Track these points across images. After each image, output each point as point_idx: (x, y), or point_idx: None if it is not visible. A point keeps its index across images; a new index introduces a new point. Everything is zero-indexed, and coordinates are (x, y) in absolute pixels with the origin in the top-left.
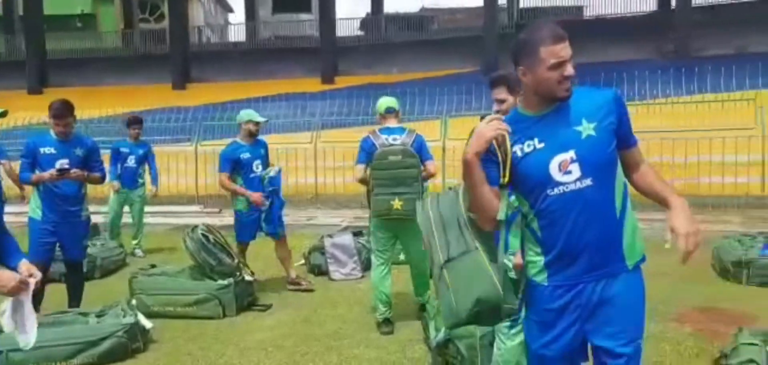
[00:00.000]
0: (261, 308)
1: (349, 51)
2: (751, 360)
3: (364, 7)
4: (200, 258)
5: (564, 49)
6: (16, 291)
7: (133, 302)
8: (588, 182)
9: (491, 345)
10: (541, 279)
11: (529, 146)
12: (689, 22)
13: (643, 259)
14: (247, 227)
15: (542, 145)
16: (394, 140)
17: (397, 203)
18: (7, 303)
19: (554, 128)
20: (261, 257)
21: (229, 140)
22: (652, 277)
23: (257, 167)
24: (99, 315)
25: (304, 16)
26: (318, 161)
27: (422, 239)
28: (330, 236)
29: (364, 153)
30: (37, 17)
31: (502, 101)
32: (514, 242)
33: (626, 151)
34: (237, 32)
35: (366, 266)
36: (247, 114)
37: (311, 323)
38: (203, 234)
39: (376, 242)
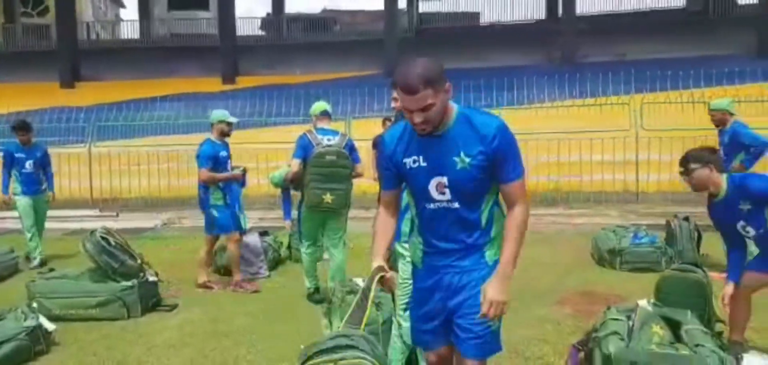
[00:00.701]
0: (166, 308)
1: (249, 51)
2: (615, 332)
3: (264, 6)
4: (101, 261)
5: (407, 101)
6: None
7: (34, 305)
8: (456, 204)
9: (389, 330)
10: (418, 262)
11: (414, 161)
12: (574, 30)
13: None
14: (227, 219)
15: (425, 164)
16: (330, 140)
17: (328, 197)
18: None
19: (437, 152)
20: (164, 260)
21: (125, 141)
22: (538, 267)
23: (230, 165)
24: None
25: (201, 13)
26: None
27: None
28: None
29: (301, 150)
30: None
31: (396, 100)
32: (405, 230)
33: (501, 185)
34: (130, 29)
35: (273, 266)
36: (220, 114)
37: (219, 321)
38: (102, 237)
39: (305, 229)
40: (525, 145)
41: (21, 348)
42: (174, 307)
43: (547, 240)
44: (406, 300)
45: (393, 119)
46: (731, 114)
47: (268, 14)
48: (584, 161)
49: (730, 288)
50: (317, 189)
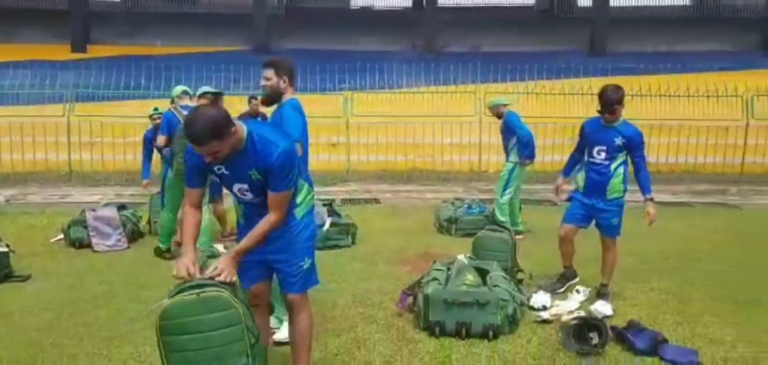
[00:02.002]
0: (19, 278)
1: (103, 17)
2: (435, 278)
3: None
4: None
5: (197, 148)
6: None
7: None
8: (258, 200)
9: None
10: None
11: (219, 168)
12: (437, 20)
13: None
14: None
15: (228, 172)
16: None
17: None
18: None
19: (238, 166)
20: (11, 235)
21: None
22: (389, 234)
23: None
24: None
25: None
26: (71, 137)
27: None
28: (93, 210)
29: (167, 124)
30: None
31: (268, 79)
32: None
33: (270, 193)
34: None
35: (132, 238)
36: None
37: (76, 289)
38: None
39: (170, 192)
40: (386, 128)
41: None
42: (27, 277)
43: (399, 213)
44: None
45: (259, 97)
46: (505, 105)
47: None
48: (436, 143)
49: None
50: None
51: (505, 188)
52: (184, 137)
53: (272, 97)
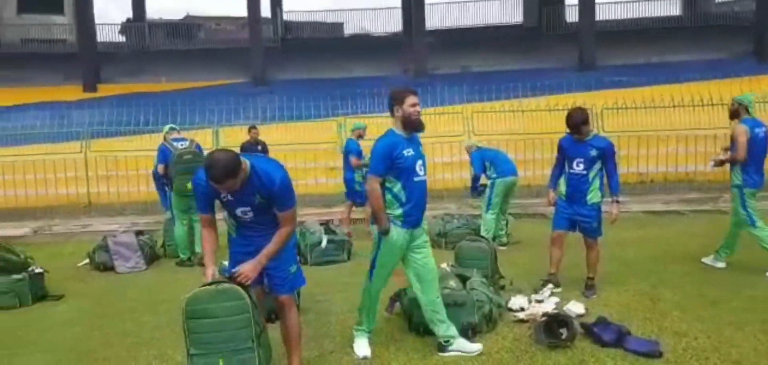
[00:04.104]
0: (53, 298)
1: (110, 57)
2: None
3: (122, 11)
4: None
5: (217, 186)
6: None
7: None
8: (258, 218)
9: None
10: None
11: (225, 197)
12: (424, 44)
13: (290, 243)
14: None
15: (233, 199)
16: (183, 145)
17: (189, 185)
18: None
19: (244, 193)
20: (41, 263)
21: None
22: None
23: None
24: None
25: (56, 18)
26: (89, 172)
27: None
28: (113, 235)
29: (163, 155)
30: None
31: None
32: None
33: (280, 213)
34: None
35: (150, 260)
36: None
37: (104, 304)
38: None
39: (176, 210)
40: None
41: None
42: (61, 297)
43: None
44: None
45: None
46: (478, 148)
47: (128, 20)
48: (429, 162)
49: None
50: (182, 179)
51: (488, 205)
52: (177, 163)
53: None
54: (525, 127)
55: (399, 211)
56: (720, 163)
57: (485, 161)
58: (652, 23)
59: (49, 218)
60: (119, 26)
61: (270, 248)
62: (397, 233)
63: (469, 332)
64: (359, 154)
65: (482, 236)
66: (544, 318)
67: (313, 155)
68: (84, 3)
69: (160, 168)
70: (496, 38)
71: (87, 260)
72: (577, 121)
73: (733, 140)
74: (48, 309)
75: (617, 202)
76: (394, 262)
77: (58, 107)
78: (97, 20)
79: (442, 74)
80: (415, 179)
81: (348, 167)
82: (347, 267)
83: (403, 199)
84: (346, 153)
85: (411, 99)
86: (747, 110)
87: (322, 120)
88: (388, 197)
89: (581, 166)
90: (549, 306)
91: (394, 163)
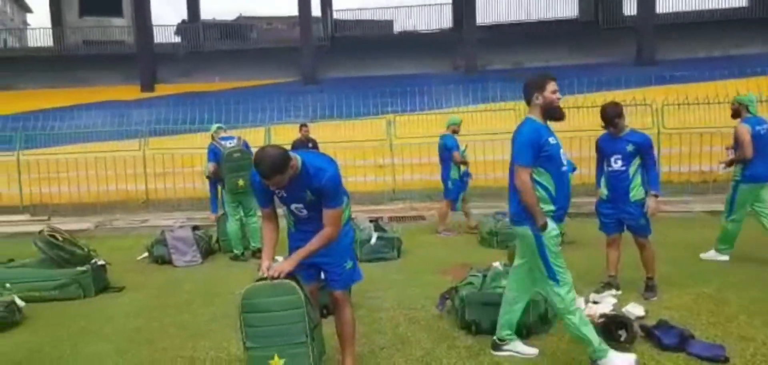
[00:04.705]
0: (116, 290)
1: (166, 58)
2: (470, 283)
3: (177, 13)
4: (53, 254)
5: (265, 182)
6: None
7: (7, 286)
8: (312, 214)
9: None
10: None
11: (279, 192)
12: (475, 40)
13: (347, 240)
14: (456, 189)
15: (287, 194)
16: (231, 143)
17: (241, 182)
18: None
19: (295, 189)
20: (103, 255)
21: (52, 149)
22: (433, 247)
23: None
24: None
25: (115, 20)
26: (147, 168)
27: None
28: (170, 230)
29: (213, 154)
30: None
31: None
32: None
33: (325, 210)
34: (40, 36)
35: (205, 254)
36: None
37: (163, 296)
38: (49, 235)
39: (229, 207)
40: (429, 148)
41: (1, 318)
42: (121, 289)
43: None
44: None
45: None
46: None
47: (183, 21)
48: (479, 161)
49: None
50: (233, 178)
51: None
52: (227, 161)
53: None
54: (580, 124)
55: (551, 207)
56: (730, 163)
57: None
58: (714, 15)
59: (109, 213)
60: (175, 28)
61: (308, 246)
62: (551, 225)
63: (523, 331)
64: (457, 149)
65: None
66: (601, 319)
67: (361, 152)
68: (142, 5)
69: (210, 167)
70: (550, 33)
71: (146, 254)
72: (611, 115)
73: (737, 140)
74: (110, 300)
75: (655, 196)
76: (559, 251)
77: (117, 107)
78: (153, 22)
79: (494, 70)
80: (562, 168)
81: (445, 164)
82: (396, 264)
83: (554, 191)
84: (445, 149)
85: (552, 85)
86: (748, 109)
87: (371, 118)
88: (538, 191)
89: (619, 162)
90: (607, 306)
91: (542, 151)
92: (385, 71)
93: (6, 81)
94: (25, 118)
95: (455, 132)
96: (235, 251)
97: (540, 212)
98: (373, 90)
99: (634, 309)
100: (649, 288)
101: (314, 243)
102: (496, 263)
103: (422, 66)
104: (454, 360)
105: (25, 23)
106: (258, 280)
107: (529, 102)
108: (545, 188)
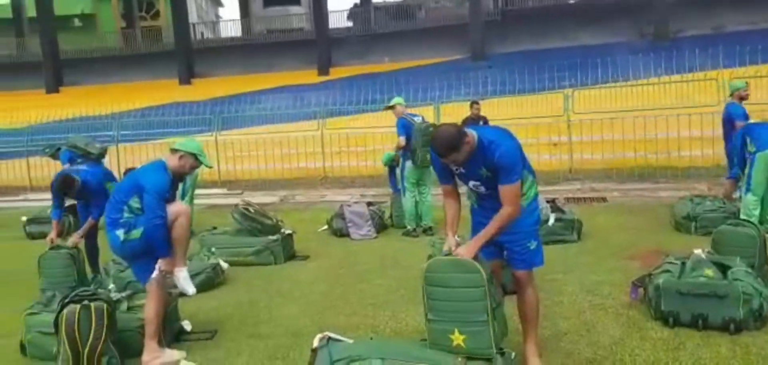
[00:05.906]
0: (301, 258)
1: (340, 42)
2: (667, 270)
3: None
4: (247, 225)
5: (443, 159)
6: None
7: (213, 250)
8: (491, 191)
9: None
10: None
11: (457, 169)
12: (666, 2)
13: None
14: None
15: (465, 171)
16: (417, 119)
17: (429, 156)
18: None
19: (472, 166)
20: (289, 222)
21: (243, 130)
22: (617, 230)
23: None
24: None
25: (294, 9)
26: (325, 147)
27: None
28: (348, 205)
29: (403, 129)
30: (49, 18)
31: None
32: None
33: (500, 187)
34: (230, 27)
35: (379, 229)
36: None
37: (342, 267)
38: (243, 209)
39: (408, 183)
40: (611, 124)
41: (209, 278)
42: (306, 258)
43: (629, 211)
44: None
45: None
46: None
47: (355, 5)
48: (672, 137)
49: None
50: (425, 151)
51: (748, 183)
52: (423, 135)
53: None
54: None
55: None
56: None
57: (746, 137)
58: None
59: (291, 189)
60: (347, 12)
61: (487, 230)
62: None
63: (730, 327)
64: (745, 118)
65: (748, 221)
66: None
67: (535, 130)
68: None
69: (401, 140)
70: None
71: (326, 227)
72: None
73: None
74: (297, 266)
75: None
76: None
77: (296, 90)
78: (329, 8)
79: (689, 37)
80: None
81: (730, 136)
82: (576, 248)
83: None
84: (730, 119)
85: None
86: None
87: (545, 93)
88: None
89: None
90: None
91: None
92: (560, 43)
93: (206, 69)
94: (220, 102)
95: (743, 98)
96: (408, 226)
97: None
98: (547, 63)
99: None
100: None
101: (493, 226)
102: (698, 251)
103: (603, 35)
104: (647, 353)
105: (217, 16)
106: (445, 255)
107: None
108: None
